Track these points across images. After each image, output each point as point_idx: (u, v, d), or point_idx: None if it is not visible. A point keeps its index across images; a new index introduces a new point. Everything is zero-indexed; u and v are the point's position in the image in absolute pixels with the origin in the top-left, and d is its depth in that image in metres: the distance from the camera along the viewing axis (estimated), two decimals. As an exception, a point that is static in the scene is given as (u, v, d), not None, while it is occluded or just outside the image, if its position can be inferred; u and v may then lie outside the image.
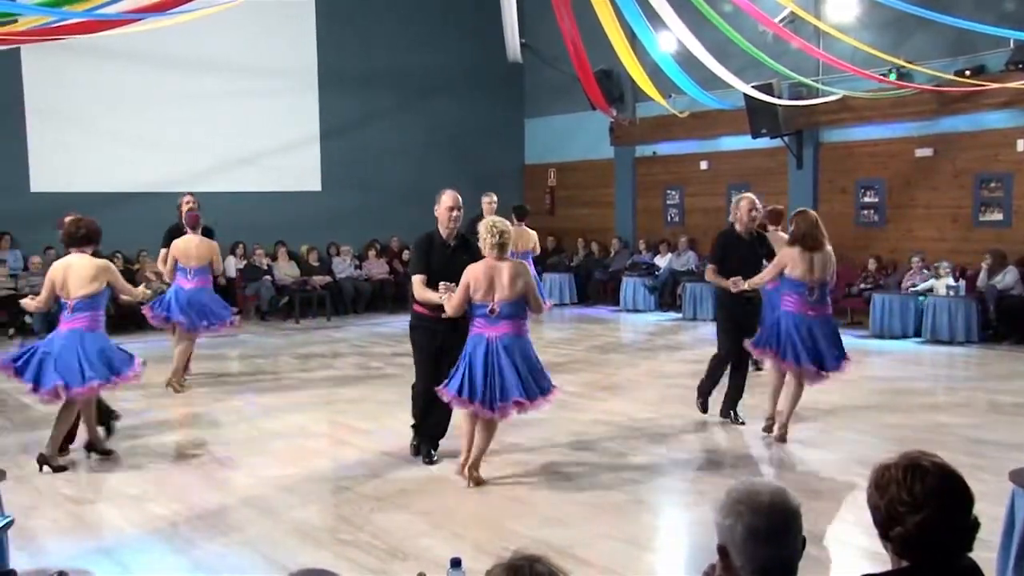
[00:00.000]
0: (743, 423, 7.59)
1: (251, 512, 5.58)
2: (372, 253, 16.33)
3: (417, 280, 6.29)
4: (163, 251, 9.58)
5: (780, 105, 13.41)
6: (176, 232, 9.55)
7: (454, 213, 6.34)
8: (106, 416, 7.11)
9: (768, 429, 7.22)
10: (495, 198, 11.46)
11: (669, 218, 16.80)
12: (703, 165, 16.14)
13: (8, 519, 4.02)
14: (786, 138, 14.20)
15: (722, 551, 2.15)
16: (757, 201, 7.72)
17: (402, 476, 6.27)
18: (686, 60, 12.37)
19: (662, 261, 15.94)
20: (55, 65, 13.75)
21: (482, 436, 5.94)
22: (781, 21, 12.50)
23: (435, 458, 6.54)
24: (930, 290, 12.05)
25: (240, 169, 15.42)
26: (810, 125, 14.17)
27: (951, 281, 11.93)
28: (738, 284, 7.18)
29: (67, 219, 6.85)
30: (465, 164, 17.73)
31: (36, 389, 6.25)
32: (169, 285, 9.38)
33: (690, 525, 5.35)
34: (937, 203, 13.10)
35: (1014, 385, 9.19)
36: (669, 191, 16.74)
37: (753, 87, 12.76)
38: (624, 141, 17.09)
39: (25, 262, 13.71)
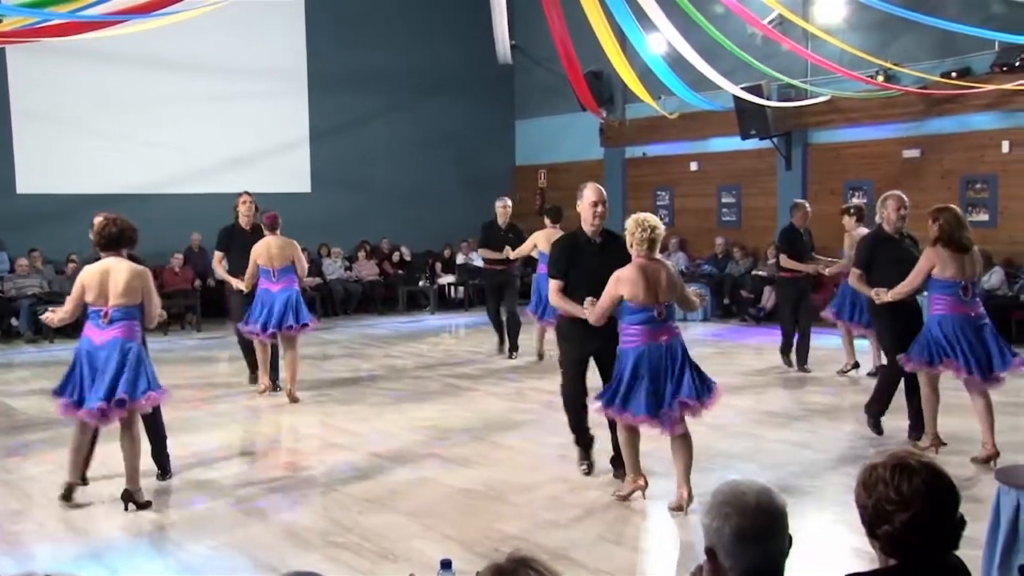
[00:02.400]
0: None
1: (239, 514, 5.56)
2: (362, 254, 16.31)
3: (553, 286, 5.81)
4: (218, 254, 9.31)
5: (769, 106, 13.46)
6: (231, 232, 9.25)
7: (599, 208, 5.87)
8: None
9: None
10: (509, 202, 11.48)
11: (659, 219, 16.79)
12: (693, 166, 16.17)
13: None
14: (775, 139, 14.24)
15: (710, 553, 2.16)
16: (905, 198, 7.03)
17: (392, 478, 6.27)
18: (676, 61, 12.40)
19: (652, 262, 15.94)
20: (41, 66, 13.67)
21: (685, 453, 5.38)
22: (770, 23, 12.54)
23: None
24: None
25: (229, 171, 15.35)
26: (799, 126, 14.22)
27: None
28: (880, 296, 6.54)
29: (96, 219, 6.02)
30: (455, 165, 17.74)
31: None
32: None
33: (682, 526, 5.35)
34: (924, 204, 12.96)
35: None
36: (659, 192, 16.76)
37: (742, 89, 12.79)
38: (614, 142, 17.11)
39: (11, 264, 13.64)
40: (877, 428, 7.05)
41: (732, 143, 14.84)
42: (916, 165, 13.20)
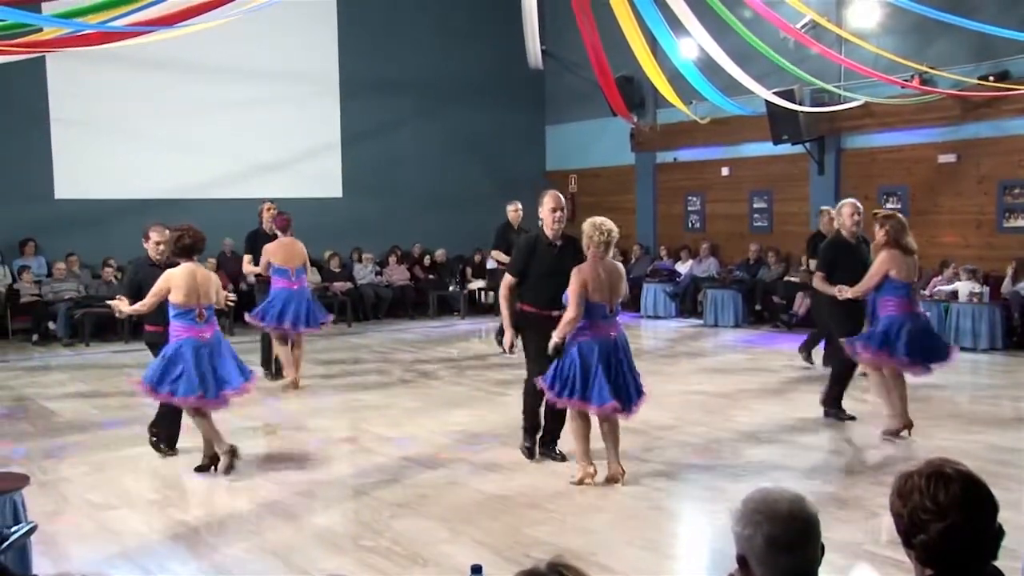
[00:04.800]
0: (853, 418, 7.78)
1: (272, 517, 5.60)
2: (393, 259, 16.38)
3: (507, 280, 6.46)
4: (247, 256, 9.99)
5: (802, 111, 13.35)
6: (257, 237, 9.88)
7: (557, 214, 6.45)
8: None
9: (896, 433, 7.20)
10: (520, 205, 11.48)
11: (690, 224, 16.75)
12: (724, 171, 16.08)
13: (31, 525, 4.05)
14: (808, 144, 14.12)
15: (741, 561, 2.14)
16: (859, 205, 7.74)
17: (423, 482, 6.28)
18: (707, 66, 12.34)
19: (683, 267, 15.89)
20: (79, 73, 13.87)
21: (613, 437, 6.02)
22: (802, 28, 12.45)
23: (559, 454, 6.62)
24: (954, 295, 11.93)
25: (261, 175, 15.49)
26: (832, 131, 14.09)
27: (975, 285, 11.80)
28: (843, 292, 7.19)
29: (159, 230, 6.97)
30: (486, 171, 17.77)
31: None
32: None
33: (711, 532, 5.32)
34: (961, 209, 12.98)
35: (1039, 393, 9.09)
36: (690, 197, 16.69)
37: (775, 93, 12.70)
38: (645, 147, 17.06)
39: (49, 268, 13.85)
40: (839, 414, 7.83)
41: (764, 148, 14.74)
42: (952, 170, 13.03)
